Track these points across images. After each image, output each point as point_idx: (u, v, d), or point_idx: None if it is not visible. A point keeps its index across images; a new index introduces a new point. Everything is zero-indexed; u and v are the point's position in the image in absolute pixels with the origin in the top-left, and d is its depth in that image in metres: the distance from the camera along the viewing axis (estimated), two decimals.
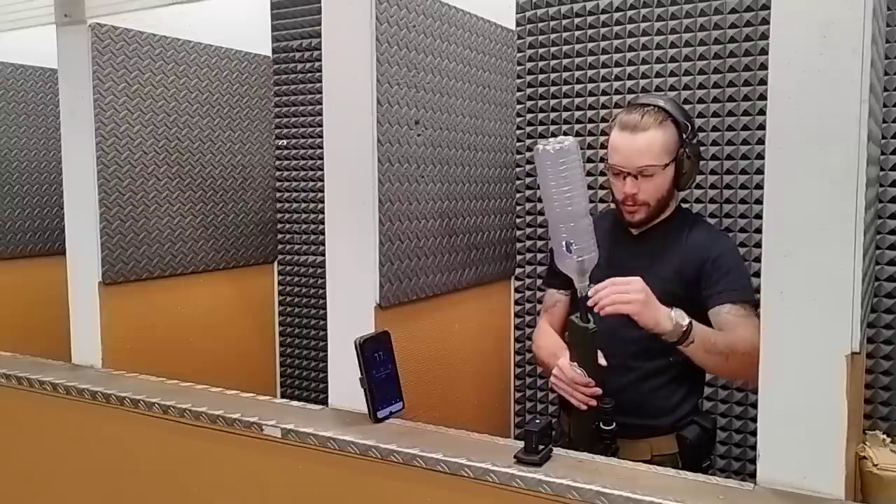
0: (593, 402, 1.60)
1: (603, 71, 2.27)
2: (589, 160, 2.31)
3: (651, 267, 1.70)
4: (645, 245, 1.76)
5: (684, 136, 1.68)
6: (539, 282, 2.36)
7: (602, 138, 2.28)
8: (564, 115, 2.34)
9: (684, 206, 2.06)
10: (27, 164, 2.95)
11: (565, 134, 2.33)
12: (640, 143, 1.64)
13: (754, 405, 1.99)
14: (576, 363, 1.62)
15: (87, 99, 2.14)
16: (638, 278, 1.55)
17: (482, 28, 2.11)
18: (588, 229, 1.58)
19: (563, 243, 1.55)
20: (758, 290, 1.26)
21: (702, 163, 2.10)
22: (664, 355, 1.64)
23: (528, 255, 2.43)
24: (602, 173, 2.29)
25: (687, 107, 2.11)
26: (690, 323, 1.54)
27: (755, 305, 1.64)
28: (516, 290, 2.43)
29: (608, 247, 1.77)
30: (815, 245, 1.16)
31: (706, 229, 1.77)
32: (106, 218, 2.18)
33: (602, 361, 1.61)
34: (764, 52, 1.99)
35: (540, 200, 2.39)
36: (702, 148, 2.10)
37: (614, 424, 1.61)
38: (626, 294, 1.52)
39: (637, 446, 1.70)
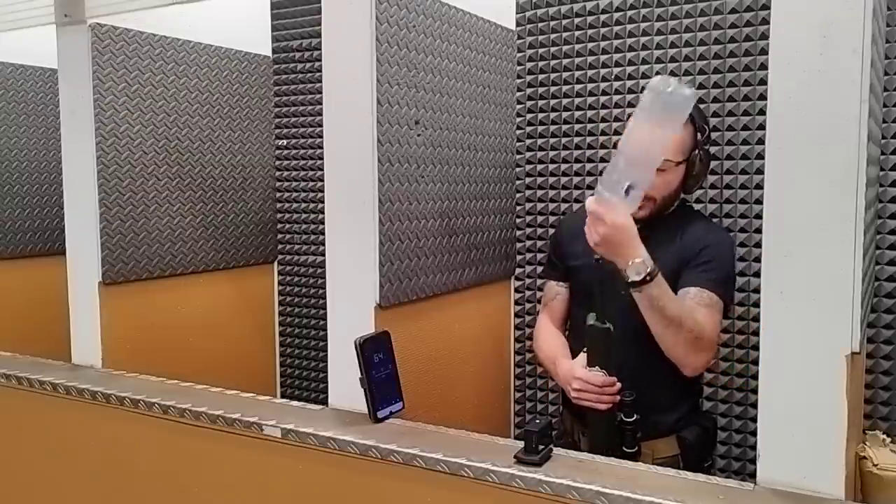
0: (617, 398, 1.61)
1: (603, 71, 2.27)
2: (589, 160, 2.31)
3: None
4: (643, 238, 1.75)
5: (700, 138, 1.68)
6: (539, 282, 2.36)
7: (602, 138, 2.29)
8: (564, 115, 2.34)
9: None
10: (27, 164, 2.95)
11: (566, 134, 2.33)
12: None
13: (754, 405, 1.99)
14: (595, 366, 1.61)
15: (87, 99, 2.14)
16: (621, 221, 1.47)
17: (482, 28, 2.11)
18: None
19: (626, 185, 1.44)
20: (757, 290, 1.26)
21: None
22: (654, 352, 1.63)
23: (528, 255, 2.43)
24: (602, 173, 2.29)
25: None
26: (654, 271, 1.50)
27: (723, 300, 1.65)
28: (516, 290, 2.43)
29: None
30: (815, 245, 1.16)
31: (703, 224, 1.77)
32: (106, 218, 2.18)
33: None
34: (764, 52, 1.98)
35: (540, 200, 2.39)
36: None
37: (636, 416, 1.61)
38: (599, 224, 1.48)
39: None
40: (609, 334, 1.59)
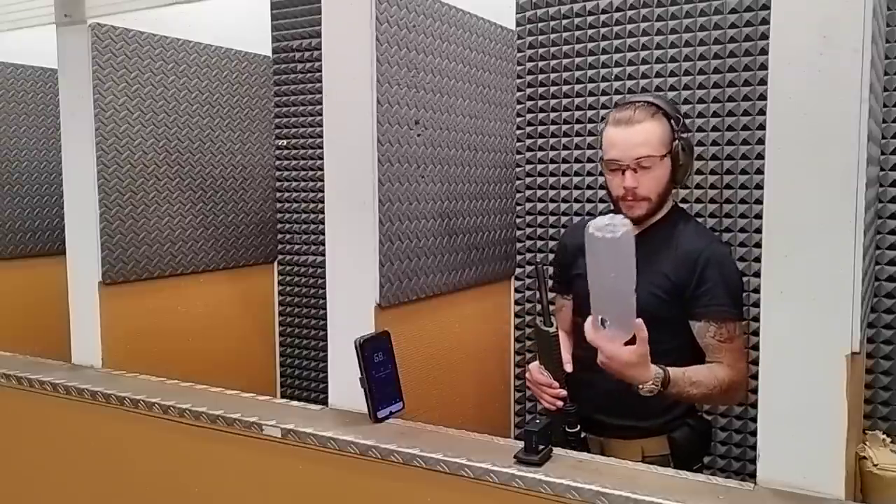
0: (559, 404, 1.65)
1: (603, 71, 2.27)
2: (589, 160, 2.31)
3: (642, 270, 1.70)
4: (638, 248, 1.75)
5: (676, 129, 1.70)
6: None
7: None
8: (564, 115, 2.34)
9: (684, 205, 2.06)
10: (27, 164, 2.95)
11: (566, 134, 2.33)
12: (637, 135, 1.65)
13: (754, 405, 1.99)
14: (542, 366, 1.67)
15: (87, 99, 2.14)
16: (626, 350, 1.49)
17: (482, 28, 2.11)
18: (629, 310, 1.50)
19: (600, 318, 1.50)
20: (757, 290, 1.26)
21: (702, 163, 2.10)
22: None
23: (528, 255, 2.43)
24: (602, 173, 2.29)
25: (686, 107, 2.12)
26: (666, 379, 1.55)
27: (736, 318, 1.66)
28: (516, 290, 2.43)
29: None
30: (815, 245, 1.16)
31: (697, 233, 1.76)
32: (106, 218, 2.18)
33: (567, 367, 1.65)
34: (764, 52, 1.98)
35: (540, 200, 2.39)
36: (701, 148, 2.10)
37: (579, 427, 1.65)
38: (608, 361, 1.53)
39: (629, 447, 1.71)
40: (550, 337, 1.63)
